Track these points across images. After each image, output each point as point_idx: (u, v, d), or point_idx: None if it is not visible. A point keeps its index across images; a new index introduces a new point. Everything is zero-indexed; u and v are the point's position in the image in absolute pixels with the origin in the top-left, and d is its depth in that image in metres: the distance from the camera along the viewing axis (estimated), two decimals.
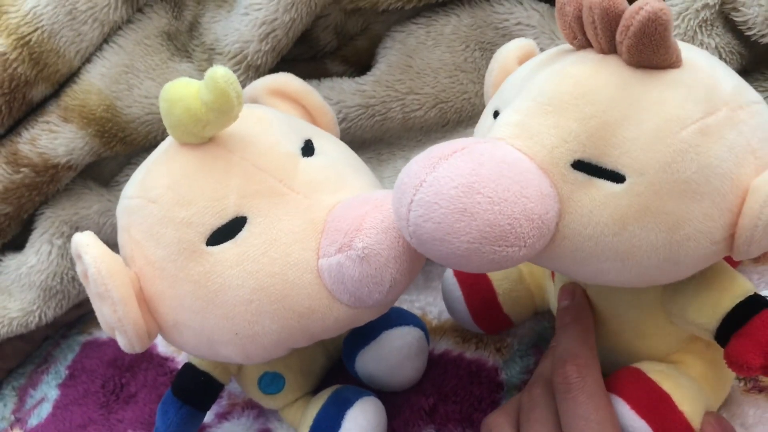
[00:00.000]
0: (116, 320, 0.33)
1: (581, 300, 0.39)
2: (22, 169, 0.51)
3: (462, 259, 0.30)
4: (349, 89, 0.51)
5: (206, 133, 0.34)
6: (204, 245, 0.33)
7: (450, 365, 0.47)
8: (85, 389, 0.53)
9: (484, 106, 0.52)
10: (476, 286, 0.44)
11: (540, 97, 0.32)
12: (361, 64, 0.54)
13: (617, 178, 0.30)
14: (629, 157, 0.30)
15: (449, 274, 0.46)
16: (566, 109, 0.31)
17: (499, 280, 0.45)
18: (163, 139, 0.53)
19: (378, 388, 0.45)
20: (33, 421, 0.53)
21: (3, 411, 0.55)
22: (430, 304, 0.51)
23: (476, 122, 0.53)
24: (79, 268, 0.35)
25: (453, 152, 0.30)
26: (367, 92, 0.51)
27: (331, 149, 0.38)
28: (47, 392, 0.55)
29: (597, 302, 0.39)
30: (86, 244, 0.34)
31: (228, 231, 0.33)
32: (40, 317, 0.53)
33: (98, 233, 0.53)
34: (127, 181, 0.54)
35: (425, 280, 0.52)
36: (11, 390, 0.57)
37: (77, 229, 0.53)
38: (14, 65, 0.49)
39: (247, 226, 0.33)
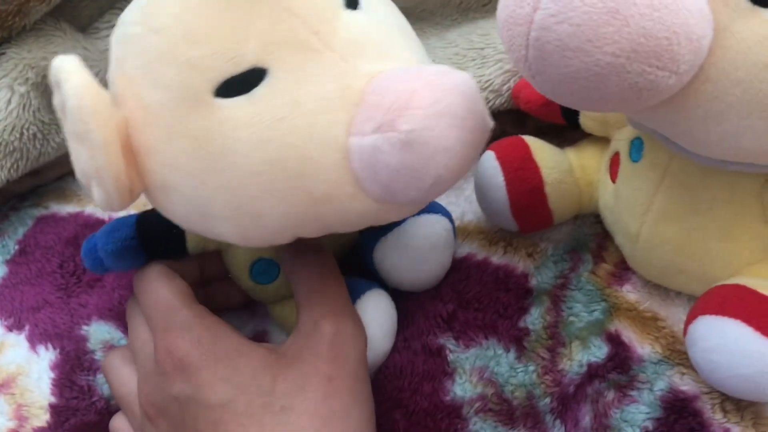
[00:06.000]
0: (94, 169, 0.26)
1: None
2: None
3: (595, 80, 0.22)
4: None
5: None
6: (211, 95, 0.26)
7: (473, 270, 0.39)
8: (39, 268, 0.43)
9: None
10: (521, 173, 0.37)
11: None
12: None
13: None
14: None
15: (489, 157, 0.38)
16: None
17: (548, 168, 0.37)
18: None
19: (395, 285, 0.37)
20: None
21: None
22: (452, 204, 0.42)
23: None
24: (56, 99, 0.27)
25: None
26: None
27: (380, 6, 0.29)
28: None
29: (679, 193, 0.32)
30: (69, 70, 0.25)
31: (243, 83, 0.25)
32: None
33: None
34: (108, 29, 0.45)
35: None
36: None
37: (44, 77, 0.42)
38: None
39: (266, 81, 0.25)
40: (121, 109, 0.27)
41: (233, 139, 0.25)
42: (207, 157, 0.26)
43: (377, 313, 0.35)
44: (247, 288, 0.37)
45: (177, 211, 0.28)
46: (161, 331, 0.30)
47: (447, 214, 0.37)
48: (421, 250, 0.36)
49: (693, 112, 0.25)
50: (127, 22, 0.28)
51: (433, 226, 0.36)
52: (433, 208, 0.37)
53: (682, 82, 0.23)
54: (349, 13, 0.27)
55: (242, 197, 0.26)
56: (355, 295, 0.35)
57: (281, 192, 0.26)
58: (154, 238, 0.34)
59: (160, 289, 0.31)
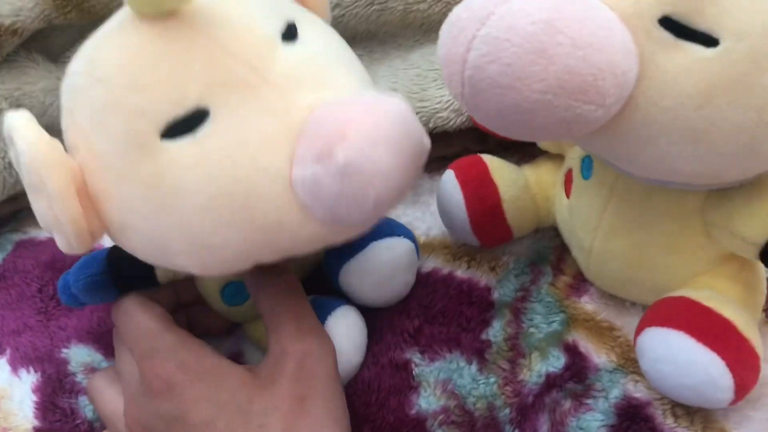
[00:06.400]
0: (52, 217, 0.27)
1: None
2: None
3: (526, 115, 0.23)
4: None
5: (166, 5, 0.26)
6: (158, 139, 0.26)
7: (439, 284, 0.40)
8: (19, 293, 0.44)
9: None
10: (480, 191, 0.38)
11: None
12: None
13: (709, 41, 0.24)
14: (728, 17, 0.24)
15: (449, 176, 0.39)
16: None
17: (505, 186, 0.38)
18: None
19: (362, 303, 0.38)
20: None
21: None
22: (418, 219, 0.44)
23: None
24: (11, 154, 0.28)
25: None
26: None
27: (318, 37, 0.30)
28: None
29: (626, 209, 0.33)
30: (20, 126, 0.26)
31: (187, 124, 0.26)
32: None
33: (43, 115, 0.44)
34: None
35: (413, 194, 0.45)
36: None
37: (18, 107, 0.43)
38: None
39: (209, 121, 0.26)
40: (75, 157, 0.28)
41: (181, 179, 0.26)
42: (158, 198, 0.27)
43: (347, 329, 0.36)
44: (221, 310, 0.38)
45: (137, 248, 0.29)
46: (146, 356, 0.32)
47: (409, 235, 0.38)
48: (385, 274, 0.37)
49: (626, 138, 0.26)
50: (73, 72, 0.29)
51: (395, 250, 0.37)
52: (394, 230, 0.38)
53: (610, 114, 0.24)
54: (286, 47, 0.28)
55: (196, 232, 0.27)
56: (325, 312, 0.36)
57: (232, 224, 0.26)
58: (124, 271, 0.35)
59: (140, 317, 0.33)
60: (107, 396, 0.35)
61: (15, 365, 0.40)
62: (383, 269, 0.37)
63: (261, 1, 0.29)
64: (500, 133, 0.25)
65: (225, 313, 0.38)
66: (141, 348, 0.32)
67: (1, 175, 0.44)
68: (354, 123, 0.25)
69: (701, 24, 0.24)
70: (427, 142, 0.27)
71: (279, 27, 0.28)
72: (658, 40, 0.24)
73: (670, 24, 0.24)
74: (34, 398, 0.39)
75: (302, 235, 0.27)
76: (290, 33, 0.29)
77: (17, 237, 0.48)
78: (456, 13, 0.24)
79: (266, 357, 0.32)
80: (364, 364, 0.37)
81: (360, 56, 0.45)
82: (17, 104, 0.43)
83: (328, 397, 0.31)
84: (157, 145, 0.26)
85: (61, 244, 0.28)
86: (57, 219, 0.26)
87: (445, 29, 0.25)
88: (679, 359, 0.30)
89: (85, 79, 0.28)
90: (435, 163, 0.46)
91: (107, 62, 0.27)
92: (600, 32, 0.23)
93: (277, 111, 0.26)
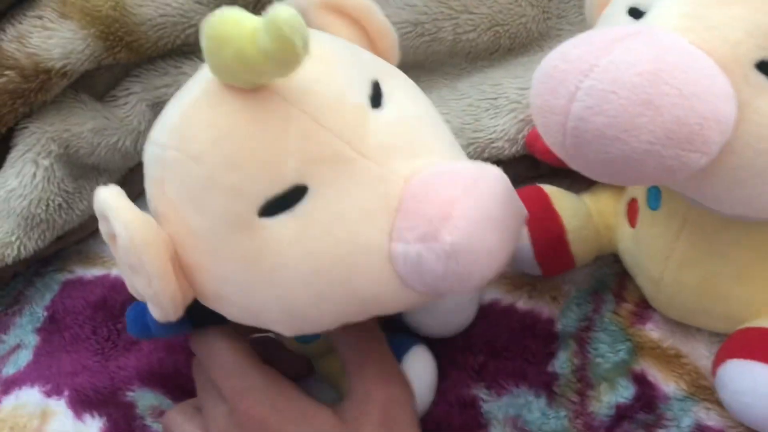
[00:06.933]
0: (151, 294, 0.27)
1: None
2: (7, 72, 0.40)
3: (633, 165, 0.23)
4: (395, 3, 0.42)
5: (260, 81, 0.26)
6: (256, 216, 0.26)
7: (500, 317, 0.40)
8: (72, 335, 0.44)
9: (538, 33, 0.46)
10: (544, 222, 0.38)
11: None
12: None
13: None
14: None
15: None
16: None
17: (569, 216, 0.38)
18: (174, 47, 0.44)
19: (427, 335, 0.38)
20: (9, 369, 0.43)
21: None
22: None
23: (527, 51, 0.46)
24: (103, 229, 0.28)
25: (627, 35, 0.23)
26: (417, 7, 0.42)
27: (402, 95, 0.30)
28: (23, 338, 0.44)
29: (699, 240, 0.33)
30: (115, 207, 0.26)
31: (285, 201, 0.26)
32: (19, 249, 0.43)
33: (91, 154, 0.44)
34: (126, 96, 0.46)
35: None
36: None
37: (67, 147, 0.43)
38: None
39: (308, 197, 0.26)
40: (164, 226, 0.27)
41: (281, 255, 0.26)
42: (257, 274, 0.27)
43: (421, 370, 0.37)
44: (292, 347, 0.38)
45: (229, 314, 0.29)
46: (238, 394, 0.31)
47: None
48: (449, 309, 0.37)
49: (718, 180, 0.26)
50: (161, 143, 0.28)
51: None
52: None
53: (711, 159, 0.24)
54: (376, 114, 0.28)
55: (293, 305, 0.27)
56: (399, 353, 0.36)
57: (330, 297, 0.27)
58: (200, 305, 0.35)
59: (229, 352, 0.32)
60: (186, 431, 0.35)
61: (77, 409, 0.40)
62: (448, 305, 0.37)
63: (347, 66, 0.28)
64: (597, 179, 0.25)
65: (296, 348, 0.38)
66: (232, 385, 0.32)
67: (50, 217, 0.43)
68: (459, 203, 0.24)
69: None
70: (524, 211, 0.27)
71: (366, 91, 0.28)
72: (756, 84, 0.24)
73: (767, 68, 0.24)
74: None
75: (397, 304, 0.27)
76: (376, 95, 0.29)
77: (63, 277, 0.47)
78: (551, 64, 0.24)
79: (348, 400, 0.32)
80: (432, 402, 0.37)
81: None
82: (66, 145, 0.43)
83: None
84: (256, 222, 0.26)
85: (157, 315, 0.28)
86: (156, 296, 0.27)
87: (540, 79, 0.25)
88: (764, 392, 0.30)
89: (177, 154, 0.27)
90: None
91: (201, 139, 0.27)
92: (703, 81, 0.23)
93: (374, 184, 0.26)
